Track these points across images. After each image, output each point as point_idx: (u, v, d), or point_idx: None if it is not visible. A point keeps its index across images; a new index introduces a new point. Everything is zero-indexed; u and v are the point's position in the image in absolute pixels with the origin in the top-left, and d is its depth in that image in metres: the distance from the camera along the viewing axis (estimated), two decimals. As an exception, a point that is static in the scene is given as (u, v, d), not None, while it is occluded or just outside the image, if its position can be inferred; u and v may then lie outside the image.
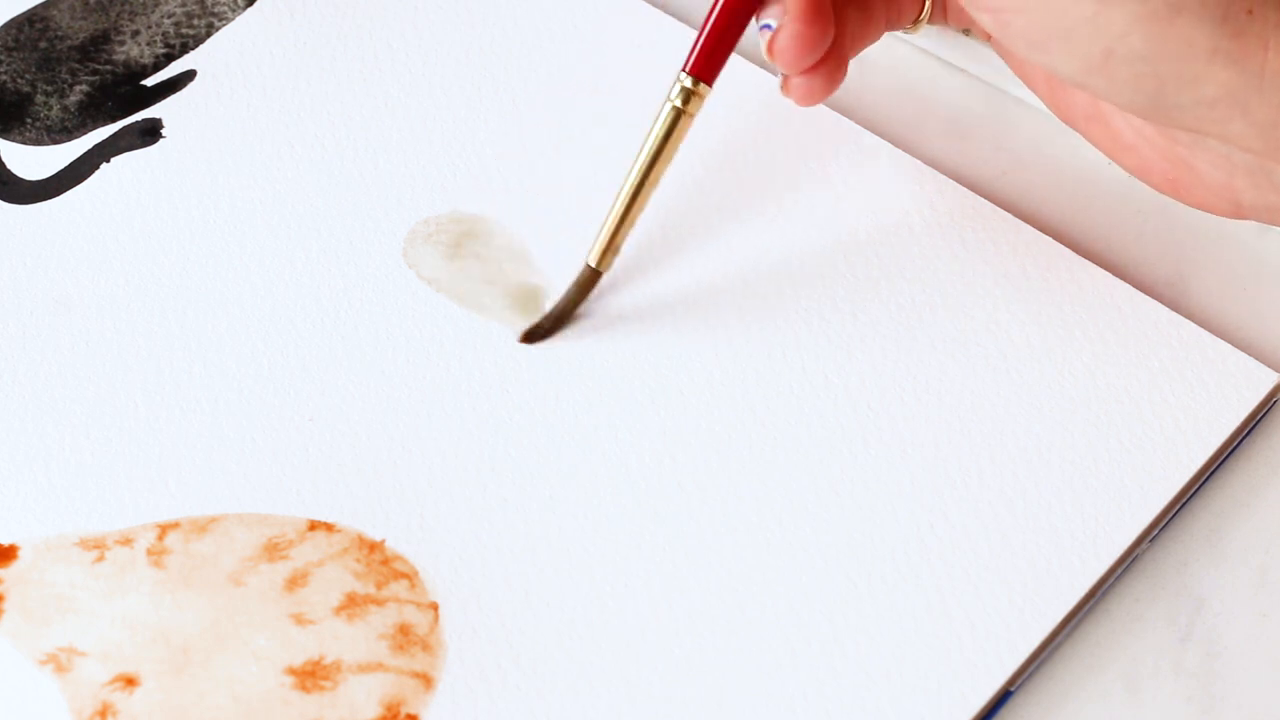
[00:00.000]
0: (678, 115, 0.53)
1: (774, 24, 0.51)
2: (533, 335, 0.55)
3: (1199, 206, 0.52)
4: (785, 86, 0.53)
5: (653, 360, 0.54)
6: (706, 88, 0.53)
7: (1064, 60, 0.48)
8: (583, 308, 0.55)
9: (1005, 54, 0.55)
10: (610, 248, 0.54)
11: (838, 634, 0.49)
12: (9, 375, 0.55)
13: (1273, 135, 0.48)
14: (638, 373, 0.54)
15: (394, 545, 0.51)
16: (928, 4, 0.55)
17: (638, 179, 0.53)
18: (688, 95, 0.53)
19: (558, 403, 0.54)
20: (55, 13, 0.63)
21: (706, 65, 0.53)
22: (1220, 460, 0.53)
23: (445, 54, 0.62)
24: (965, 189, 0.58)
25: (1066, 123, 0.54)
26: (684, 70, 0.53)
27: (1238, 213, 0.51)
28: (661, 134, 0.53)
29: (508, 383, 0.54)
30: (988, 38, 0.57)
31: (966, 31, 0.59)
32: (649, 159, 0.53)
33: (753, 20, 0.52)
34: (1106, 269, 0.56)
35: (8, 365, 0.55)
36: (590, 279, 0.55)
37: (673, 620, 0.50)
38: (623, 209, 0.54)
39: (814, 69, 0.52)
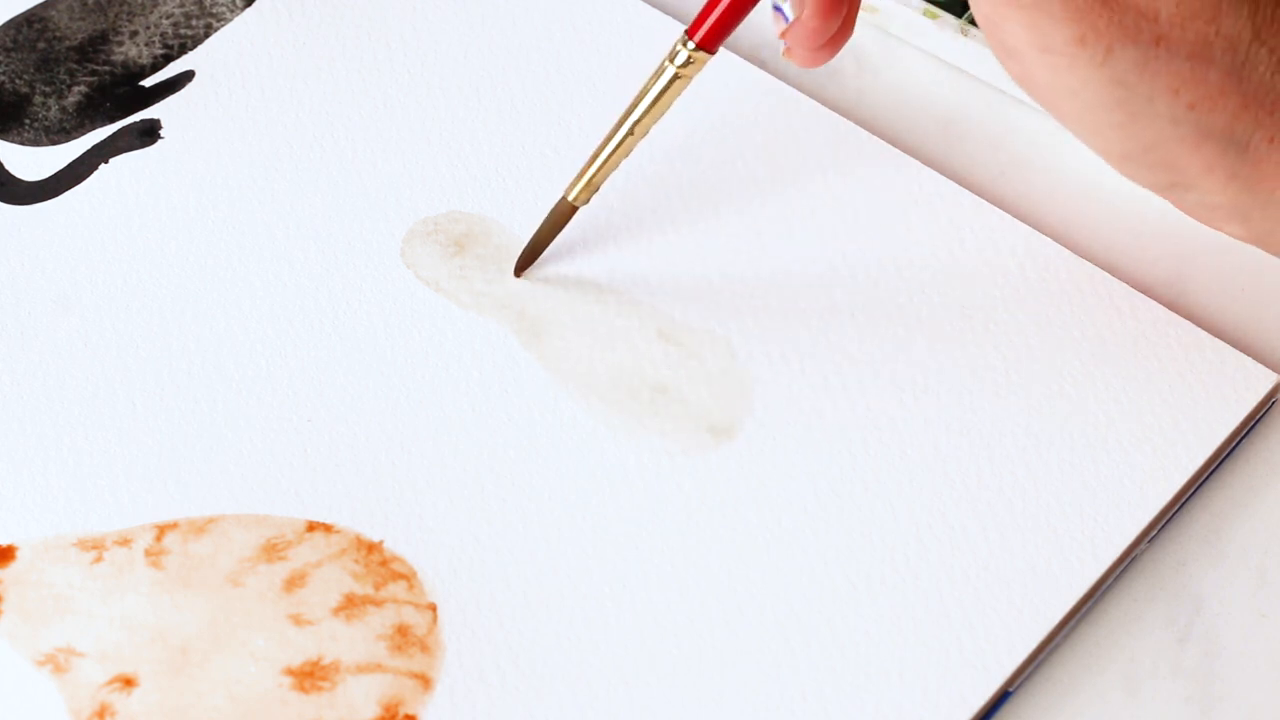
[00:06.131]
0: (674, 78, 0.53)
1: (787, 10, 0.51)
2: (517, 269, 0.56)
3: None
4: (788, 54, 0.53)
5: (650, 359, 0.54)
6: (707, 55, 0.53)
7: (1080, 135, 0.48)
8: (575, 315, 0.55)
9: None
10: (589, 185, 0.55)
11: (837, 634, 0.49)
12: (8, 375, 0.55)
13: (1267, 240, 0.49)
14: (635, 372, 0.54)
15: (392, 546, 0.51)
16: None
17: (627, 128, 0.54)
18: (688, 60, 0.53)
19: (556, 403, 0.54)
20: (54, 13, 0.63)
21: (713, 37, 0.52)
22: (1219, 461, 0.53)
23: (444, 54, 0.62)
24: (965, 189, 0.58)
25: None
26: (689, 35, 0.52)
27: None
28: (656, 92, 0.53)
29: (506, 383, 0.54)
30: None
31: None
32: (640, 113, 0.53)
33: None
34: (1106, 269, 0.56)
35: (7, 365, 0.55)
36: (566, 213, 0.55)
37: (672, 621, 0.50)
38: (607, 152, 0.54)
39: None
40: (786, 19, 0.52)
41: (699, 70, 0.53)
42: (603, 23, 0.62)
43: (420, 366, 0.54)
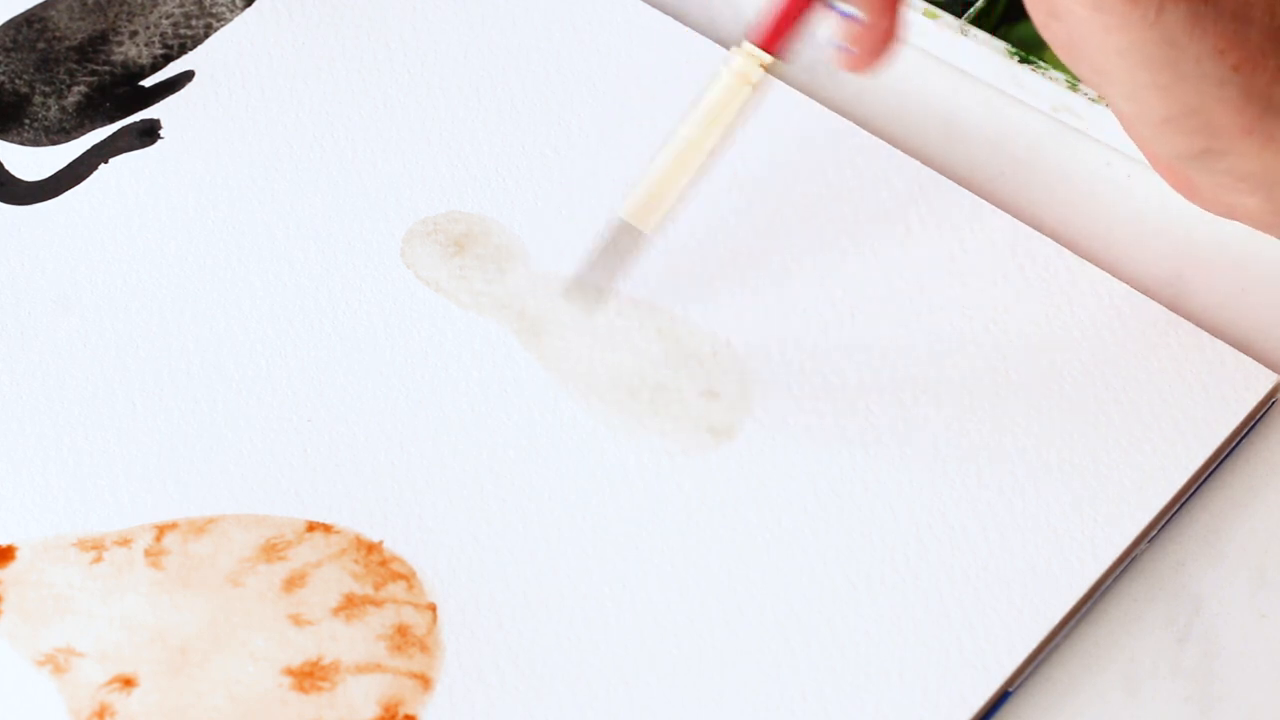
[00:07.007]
0: (735, 84, 0.50)
1: (857, 12, 0.49)
2: (571, 293, 0.54)
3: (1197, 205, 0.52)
4: (850, 62, 0.51)
5: (650, 359, 0.54)
6: (771, 59, 0.50)
7: (1117, 100, 0.47)
8: (575, 315, 0.55)
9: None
10: (652, 207, 0.51)
11: (837, 634, 0.49)
12: (8, 375, 0.55)
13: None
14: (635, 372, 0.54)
15: (392, 546, 0.51)
16: None
17: (684, 140, 0.50)
18: (749, 64, 0.50)
19: (556, 403, 0.54)
20: (54, 13, 0.63)
21: (776, 38, 0.49)
22: (1219, 461, 0.53)
23: (444, 54, 0.62)
24: (965, 189, 0.58)
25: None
26: (750, 40, 0.49)
27: (1232, 219, 0.51)
28: (712, 101, 0.50)
29: (506, 383, 0.54)
30: None
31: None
32: (701, 124, 0.50)
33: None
34: (1106, 269, 0.56)
35: (6, 365, 0.55)
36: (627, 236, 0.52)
37: (671, 621, 0.50)
38: (666, 167, 0.51)
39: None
40: (859, 17, 0.49)
41: (763, 79, 0.50)
42: (603, 23, 0.62)
43: (420, 366, 0.54)
